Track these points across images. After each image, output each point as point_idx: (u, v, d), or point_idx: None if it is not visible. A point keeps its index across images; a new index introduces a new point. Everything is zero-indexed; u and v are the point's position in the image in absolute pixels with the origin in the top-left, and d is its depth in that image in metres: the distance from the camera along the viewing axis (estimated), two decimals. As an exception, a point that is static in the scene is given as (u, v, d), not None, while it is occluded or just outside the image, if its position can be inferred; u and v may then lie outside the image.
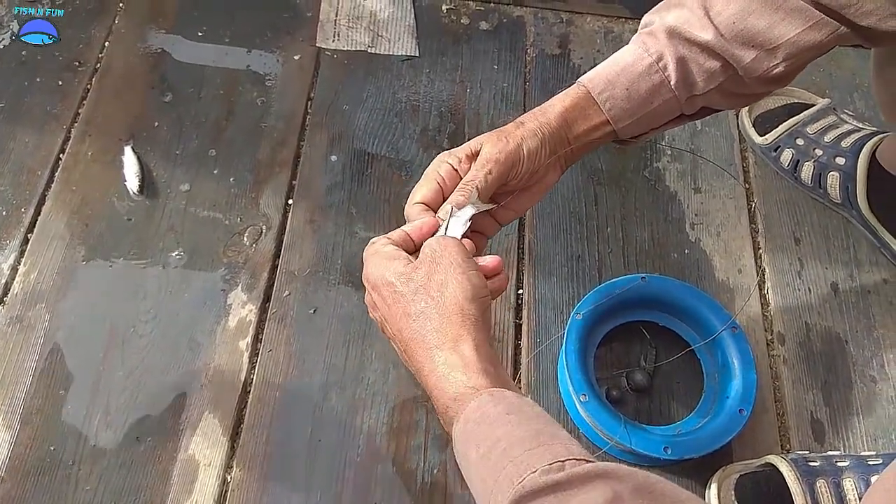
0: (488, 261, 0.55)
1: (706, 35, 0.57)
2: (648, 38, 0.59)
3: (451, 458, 0.72)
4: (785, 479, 0.68)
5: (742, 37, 0.57)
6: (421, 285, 0.51)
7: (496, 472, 0.42)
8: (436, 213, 0.57)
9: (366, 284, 0.55)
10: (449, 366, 0.49)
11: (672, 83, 0.58)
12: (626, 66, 0.58)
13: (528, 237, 0.86)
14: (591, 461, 0.42)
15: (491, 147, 0.57)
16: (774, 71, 0.58)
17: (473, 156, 0.58)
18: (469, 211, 0.56)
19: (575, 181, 0.90)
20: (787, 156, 0.90)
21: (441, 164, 0.58)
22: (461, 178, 0.58)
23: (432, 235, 0.56)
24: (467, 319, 0.50)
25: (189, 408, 0.73)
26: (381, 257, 0.54)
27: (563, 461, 0.41)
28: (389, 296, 0.52)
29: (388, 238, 0.56)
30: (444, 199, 0.58)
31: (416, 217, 0.57)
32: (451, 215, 0.56)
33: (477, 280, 0.52)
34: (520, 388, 0.76)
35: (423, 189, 0.58)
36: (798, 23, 0.56)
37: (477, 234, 0.60)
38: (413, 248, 0.56)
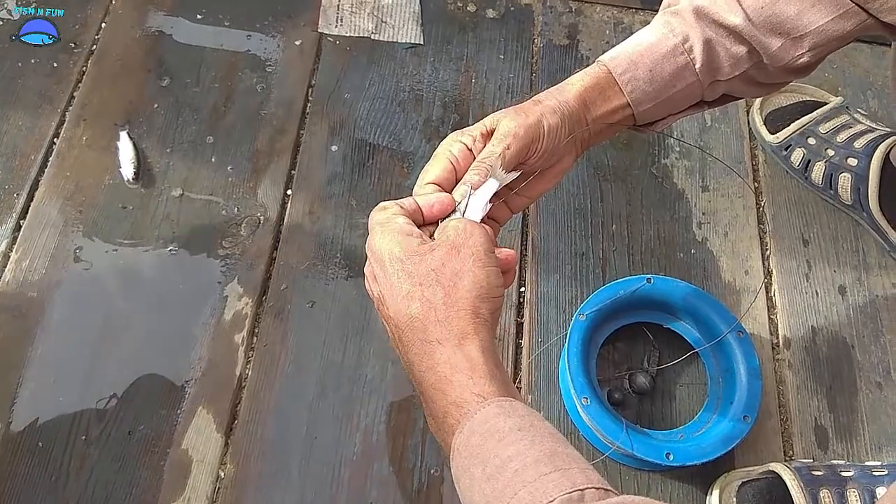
0: (504, 254, 0.50)
1: (735, 19, 0.54)
2: (674, 19, 0.56)
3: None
4: (788, 488, 0.67)
5: (770, 23, 0.55)
6: (433, 269, 0.46)
7: (506, 496, 0.39)
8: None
9: (368, 254, 0.50)
10: (451, 366, 0.45)
11: (697, 66, 0.55)
12: (649, 46, 0.55)
13: (532, 234, 0.84)
14: (611, 491, 0.39)
15: (509, 121, 0.52)
16: (799, 61, 0.56)
17: (488, 134, 0.54)
18: (492, 186, 0.52)
19: (580, 177, 0.88)
20: (797, 155, 0.88)
21: (454, 144, 0.54)
22: (475, 159, 0.53)
23: (444, 218, 0.51)
24: (478, 318, 0.46)
25: (183, 402, 0.72)
26: (392, 230, 0.49)
27: (582, 490, 0.38)
28: (394, 273, 0.47)
29: (401, 207, 0.51)
30: (458, 181, 0.53)
31: (426, 192, 0.53)
32: (469, 195, 0.51)
33: (495, 279, 0.48)
34: (520, 388, 0.75)
35: (434, 169, 0.53)
36: (827, 11, 0.54)
37: (491, 221, 0.56)
38: (420, 225, 0.51)
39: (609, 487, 0.39)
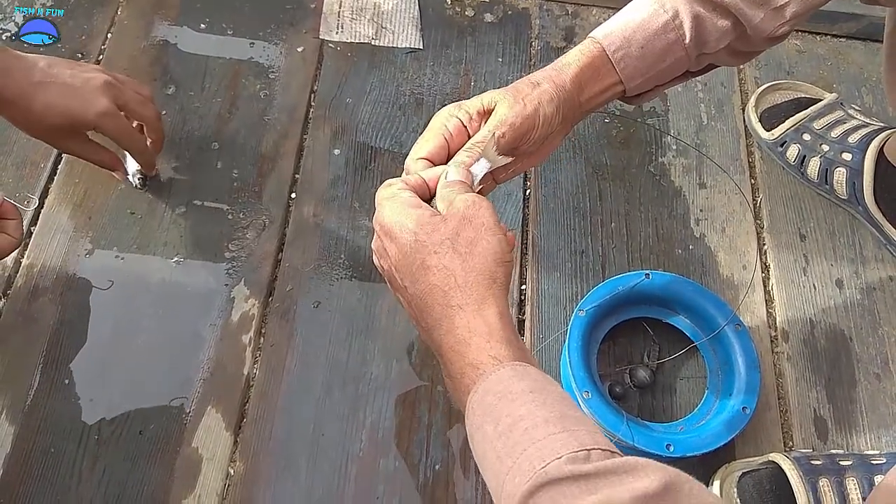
0: (509, 234, 0.52)
1: None
2: None
3: (454, 452, 0.72)
4: (788, 478, 0.68)
5: None
6: (447, 238, 0.48)
7: (515, 453, 0.41)
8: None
9: (377, 228, 0.52)
10: (470, 330, 0.46)
11: (686, 42, 0.57)
12: (641, 22, 0.57)
13: (532, 232, 0.86)
14: (616, 453, 0.41)
15: (507, 109, 0.54)
16: (781, 30, 0.59)
17: (485, 113, 0.55)
18: (483, 167, 0.53)
19: (579, 176, 0.90)
20: (793, 151, 0.89)
21: (450, 119, 0.55)
22: (469, 137, 0.55)
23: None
24: (495, 283, 0.48)
25: (192, 402, 0.73)
26: (400, 203, 0.50)
27: (588, 450, 0.40)
28: (407, 244, 0.49)
29: (406, 183, 0.52)
30: (450, 157, 0.55)
31: (417, 168, 0.55)
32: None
33: (506, 245, 0.49)
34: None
35: (428, 144, 0.55)
36: None
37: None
38: (426, 199, 0.53)
39: (615, 450, 0.41)
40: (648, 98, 0.63)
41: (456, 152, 0.55)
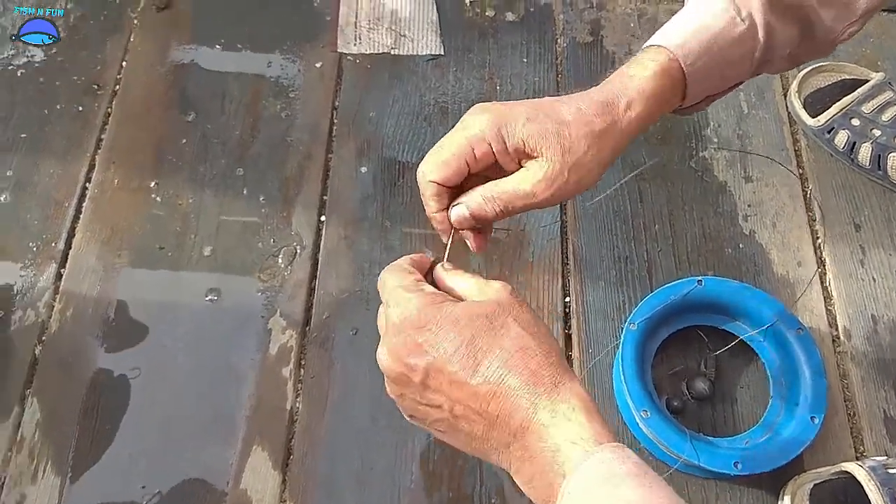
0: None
1: None
2: None
3: (508, 479, 0.70)
4: (863, 488, 0.65)
5: None
6: (502, 324, 0.42)
7: None
8: (448, 204, 0.49)
9: (395, 319, 0.44)
10: (571, 406, 0.40)
11: (757, 55, 0.50)
12: (717, 33, 0.49)
13: (572, 241, 0.82)
14: None
15: (540, 181, 0.46)
16: (848, 31, 0.53)
17: (521, 153, 0.47)
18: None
19: (617, 177, 0.86)
20: (841, 138, 0.85)
21: (480, 143, 0.46)
22: (496, 162, 0.48)
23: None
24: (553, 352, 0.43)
25: (236, 441, 0.71)
26: (420, 292, 0.44)
27: None
28: (465, 334, 0.42)
29: (412, 272, 0.47)
30: (463, 186, 0.49)
31: (426, 191, 0.49)
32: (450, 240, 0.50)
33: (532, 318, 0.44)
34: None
35: (447, 166, 0.47)
36: None
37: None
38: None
39: None
40: (695, 111, 0.55)
41: (474, 178, 0.49)
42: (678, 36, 0.49)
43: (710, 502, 0.69)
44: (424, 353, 0.42)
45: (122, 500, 0.68)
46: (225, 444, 0.71)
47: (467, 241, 0.52)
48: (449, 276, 0.48)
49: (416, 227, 0.83)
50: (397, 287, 0.45)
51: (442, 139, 0.48)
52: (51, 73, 0.92)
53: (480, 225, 0.50)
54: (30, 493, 0.68)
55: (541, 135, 0.46)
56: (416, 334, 0.42)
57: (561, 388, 0.41)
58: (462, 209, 0.48)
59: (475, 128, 0.47)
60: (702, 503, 0.69)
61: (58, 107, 0.90)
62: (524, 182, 0.47)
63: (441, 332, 0.42)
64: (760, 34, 0.50)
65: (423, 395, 0.44)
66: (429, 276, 0.49)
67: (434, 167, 0.48)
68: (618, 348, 0.71)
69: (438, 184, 0.48)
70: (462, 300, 0.46)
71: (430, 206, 0.49)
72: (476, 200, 0.48)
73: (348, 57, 0.94)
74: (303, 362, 0.75)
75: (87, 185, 0.85)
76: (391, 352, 0.44)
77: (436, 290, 0.45)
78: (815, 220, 0.84)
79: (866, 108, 0.84)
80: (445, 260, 0.50)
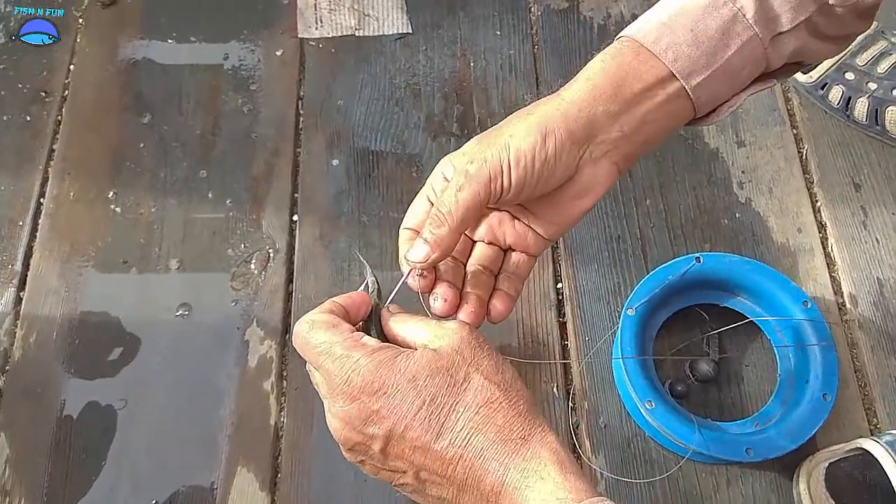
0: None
1: None
2: None
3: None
4: (881, 465, 0.62)
5: None
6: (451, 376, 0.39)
7: None
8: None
9: (332, 391, 0.41)
10: (527, 472, 0.37)
11: (748, 16, 0.43)
12: (681, 7, 0.44)
13: (560, 222, 0.78)
14: None
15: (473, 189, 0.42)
16: None
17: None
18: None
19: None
20: (836, 93, 0.81)
21: (440, 182, 0.45)
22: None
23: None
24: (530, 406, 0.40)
25: (220, 462, 0.67)
26: (364, 348, 0.40)
27: None
28: (412, 389, 0.38)
29: (339, 323, 0.42)
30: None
31: (404, 242, 0.46)
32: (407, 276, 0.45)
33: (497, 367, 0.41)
34: (574, 394, 0.70)
35: (417, 210, 0.46)
36: None
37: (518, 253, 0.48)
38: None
39: None
40: (727, 111, 0.46)
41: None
42: (638, 23, 0.45)
43: (721, 488, 0.66)
44: (382, 420, 0.39)
45: (103, 535, 0.65)
46: (208, 467, 0.67)
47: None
48: (397, 322, 0.44)
49: (395, 220, 0.78)
50: (332, 345, 0.41)
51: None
52: (-7, 84, 0.86)
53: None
54: (5, 535, 0.64)
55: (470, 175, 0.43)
56: (370, 401, 0.39)
57: (531, 442, 0.38)
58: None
59: (438, 168, 0.45)
60: (713, 490, 0.66)
61: (4, 118, 0.84)
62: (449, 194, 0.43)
63: (398, 395, 0.39)
64: None
65: (385, 463, 0.41)
66: (369, 319, 0.45)
67: (410, 212, 0.46)
68: (616, 334, 0.67)
69: (412, 230, 0.46)
70: (411, 347, 0.42)
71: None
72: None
73: (310, 42, 0.89)
74: (285, 373, 0.71)
75: (42, 199, 0.80)
76: (345, 421, 0.40)
77: (380, 344, 0.41)
78: (812, 183, 0.80)
79: (860, 60, 0.80)
80: (389, 302, 0.45)
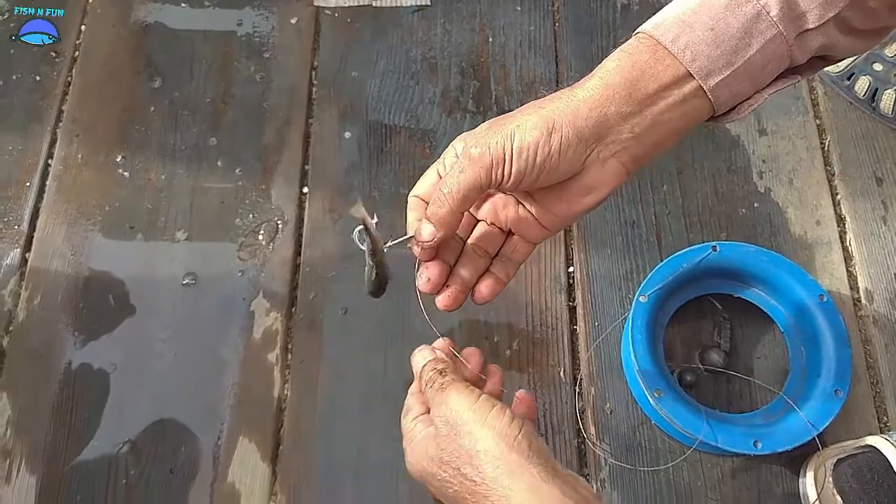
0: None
1: None
2: None
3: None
4: (891, 463, 0.61)
5: None
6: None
7: None
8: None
9: (455, 430, 0.46)
10: None
11: (772, 14, 0.41)
12: (702, 2, 0.42)
13: (574, 205, 0.76)
14: None
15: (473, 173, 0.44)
16: None
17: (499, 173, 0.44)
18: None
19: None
20: (862, 84, 0.78)
21: (451, 159, 0.47)
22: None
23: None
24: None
25: (222, 432, 0.67)
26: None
27: None
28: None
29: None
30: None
31: (412, 209, 0.49)
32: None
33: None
34: (581, 379, 0.69)
35: (426, 181, 0.49)
36: None
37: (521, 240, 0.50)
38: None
39: None
40: (748, 109, 0.45)
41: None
42: (656, 18, 0.44)
43: (726, 480, 0.65)
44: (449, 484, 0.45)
45: (103, 496, 0.64)
46: (210, 436, 0.67)
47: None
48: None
49: (406, 198, 0.77)
50: (471, 420, 0.45)
51: None
52: (3, 42, 0.84)
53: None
54: (5, 495, 0.64)
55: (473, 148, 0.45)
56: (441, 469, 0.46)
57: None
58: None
59: (452, 145, 0.48)
60: (718, 481, 0.65)
61: (14, 77, 0.83)
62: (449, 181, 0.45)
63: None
64: None
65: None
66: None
67: (422, 180, 0.50)
68: (627, 321, 0.66)
69: (419, 198, 0.50)
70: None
71: None
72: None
73: (326, 11, 0.87)
74: (289, 346, 0.71)
75: (50, 161, 0.79)
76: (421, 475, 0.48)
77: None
78: (833, 175, 0.78)
79: (889, 51, 0.78)
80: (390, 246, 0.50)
